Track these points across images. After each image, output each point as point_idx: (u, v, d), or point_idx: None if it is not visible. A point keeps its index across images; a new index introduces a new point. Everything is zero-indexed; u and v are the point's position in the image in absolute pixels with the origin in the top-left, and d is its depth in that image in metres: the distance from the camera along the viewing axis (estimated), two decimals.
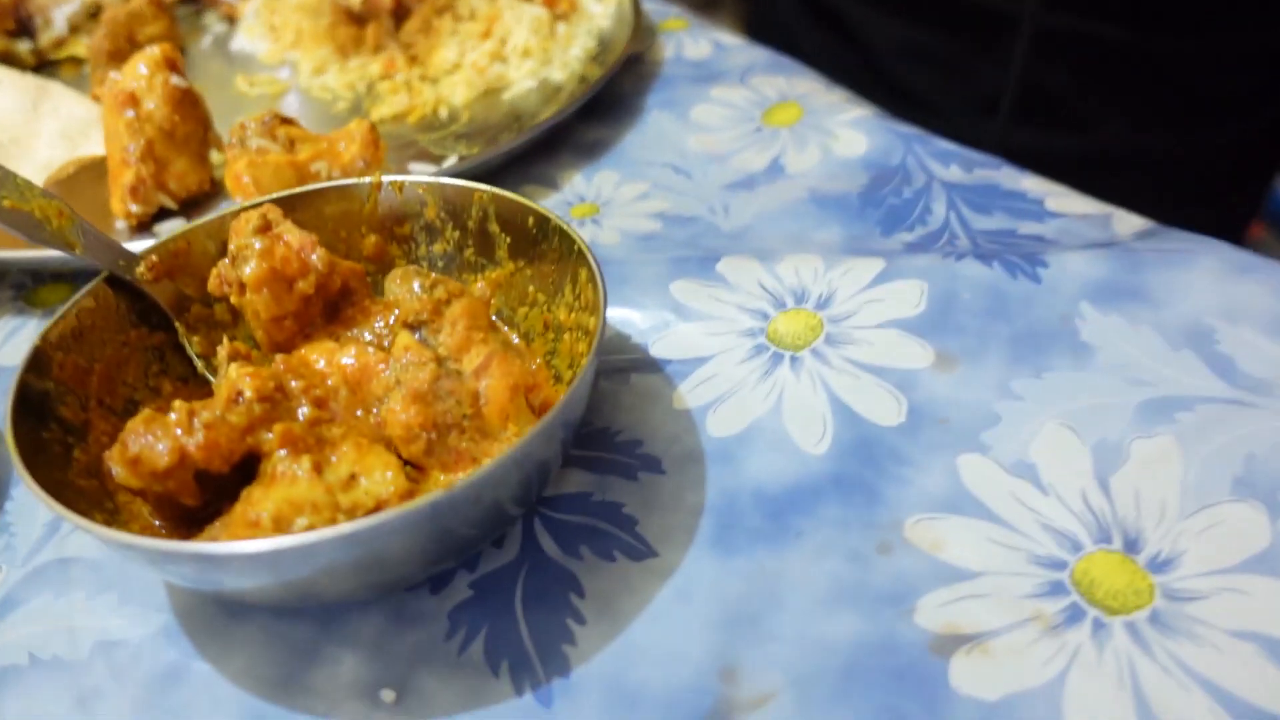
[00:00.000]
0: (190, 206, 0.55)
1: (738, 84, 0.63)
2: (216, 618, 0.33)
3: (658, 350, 0.42)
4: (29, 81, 0.60)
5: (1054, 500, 0.34)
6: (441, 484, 0.34)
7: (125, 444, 0.31)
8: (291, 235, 0.37)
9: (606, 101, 0.63)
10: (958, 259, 0.43)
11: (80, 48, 0.76)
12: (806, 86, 0.62)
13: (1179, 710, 0.28)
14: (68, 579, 0.34)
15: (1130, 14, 0.69)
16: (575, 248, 0.37)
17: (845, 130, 0.57)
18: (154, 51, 0.53)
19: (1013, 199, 0.49)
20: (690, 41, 0.71)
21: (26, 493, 0.38)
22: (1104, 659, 0.29)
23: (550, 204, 0.55)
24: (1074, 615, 0.31)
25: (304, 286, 0.36)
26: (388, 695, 0.30)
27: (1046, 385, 0.37)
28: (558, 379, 0.39)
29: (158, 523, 0.34)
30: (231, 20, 0.80)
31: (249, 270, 0.35)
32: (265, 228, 0.37)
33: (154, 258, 0.38)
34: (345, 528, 0.27)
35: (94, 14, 0.77)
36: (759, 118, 0.59)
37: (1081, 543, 0.32)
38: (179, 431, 0.31)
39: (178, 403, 0.31)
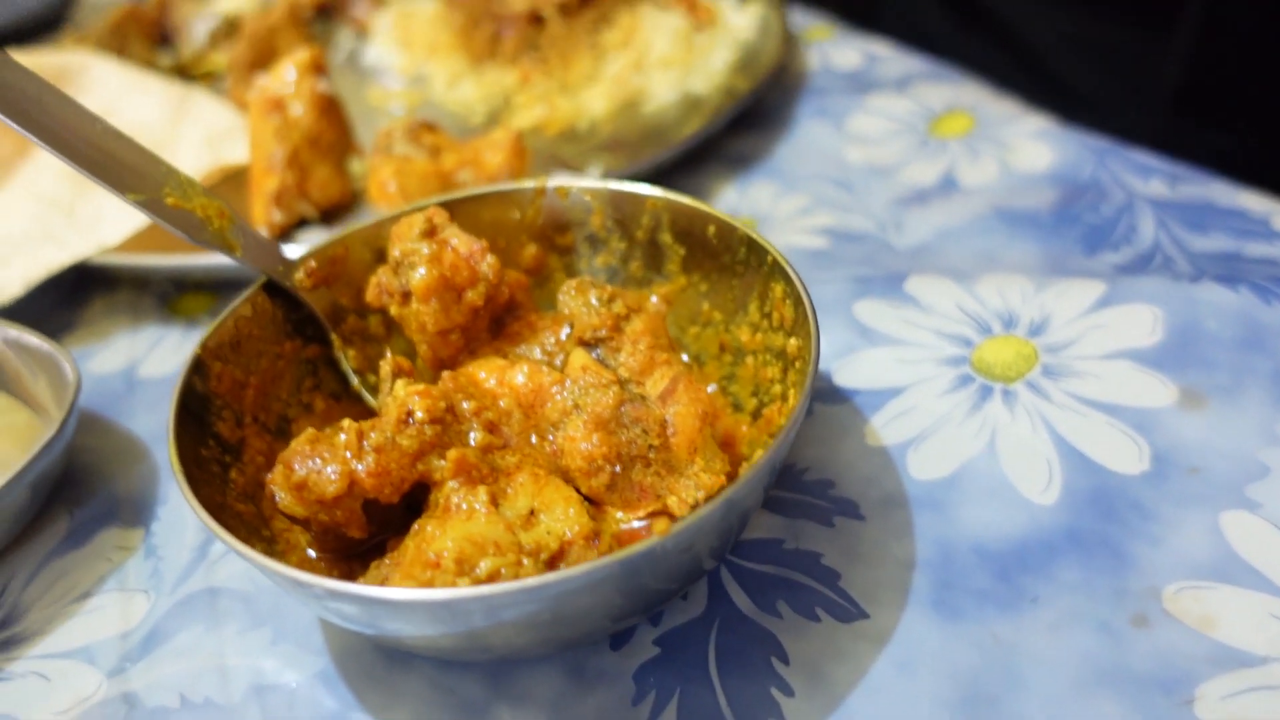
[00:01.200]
0: (330, 216, 0.53)
1: (896, 93, 0.59)
2: (377, 665, 0.30)
3: (844, 378, 0.38)
4: (173, 88, 0.59)
5: None
6: (619, 522, 0.30)
7: (290, 467, 0.28)
8: (460, 240, 0.34)
9: (753, 112, 0.59)
10: (1192, 281, 0.37)
11: (218, 62, 0.76)
12: (974, 95, 0.57)
13: None
14: (218, 611, 0.32)
15: None
16: (769, 259, 0.33)
17: (1024, 142, 0.52)
18: (301, 55, 0.52)
19: (1232, 217, 0.44)
20: (837, 51, 0.66)
21: (173, 512, 0.36)
22: None
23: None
24: None
25: (473, 297, 0.33)
26: None
27: None
28: (737, 407, 0.35)
29: (312, 553, 0.31)
30: (363, 33, 0.80)
31: (417, 277, 0.32)
32: (431, 232, 0.34)
33: (313, 263, 0.36)
34: (537, 582, 0.24)
35: (232, 28, 0.77)
36: (925, 129, 0.55)
37: None
38: (348, 455, 0.28)
39: (347, 422, 0.29)
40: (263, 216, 0.51)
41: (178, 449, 0.28)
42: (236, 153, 0.55)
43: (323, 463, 0.28)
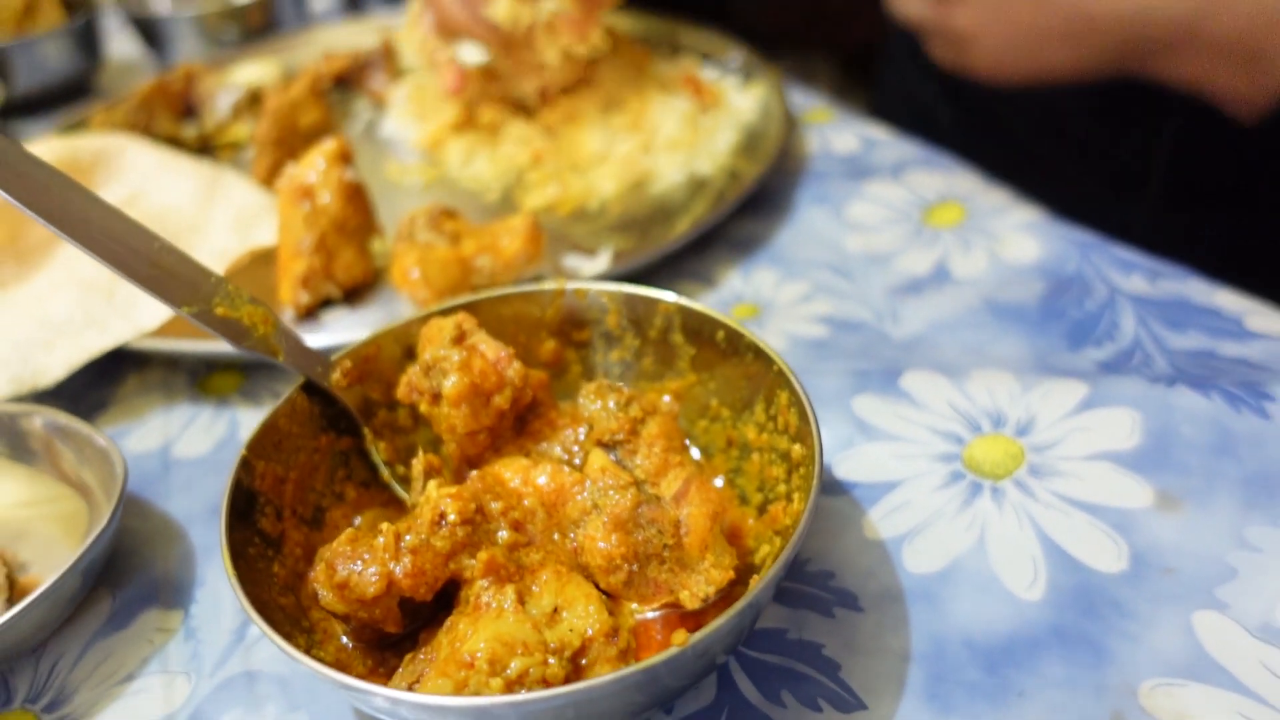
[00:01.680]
0: (353, 295, 0.56)
1: (892, 180, 0.62)
2: None
3: (843, 471, 0.40)
4: (204, 169, 0.62)
5: None
6: (634, 614, 0.33)
7: (333, 568, 0.30)
8: (488, 347, 0.36)
9: (756, 196, 0.62)
10: (1169, 385, 0.40)
11: (240, 132, 0.79)
12: (967, 186, 0.60)
13: None
14: (256, 694, 0.34)
15: None
16: (774, 368, 0.36)
17: (1013, 234, 0.55)
18: (330, 146, 0.55)
19: (1207, 316, 0.47)
20: (836, 134, 0.70)
21: (210, 594, 0.38)
22: None
23: (709, 303, 0.54)
24: None
25: (500, 401, 0.36)
26: None
27: None
28: (743, 500, 0.38)
29: (347, 641, 0.33)
30: (380, 105, 0.83)
31: (449, 385, 0.35)
32: (461, 338, 0.37)
33: (348, 363, 0.38)
34: (567, 690, 0.26)
35: (254, 100, 0.81)
36: (919, 217, 0.58)
37: None
38: (387, 557, 0.30)
39: (385, 526, 0.31)
40: (290, 297, 0.53)
41: (231, 551, 0.30)
42: (265, 235, 0.57)
43: (363, 565, 0.30)
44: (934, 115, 0.81)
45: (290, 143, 0.73)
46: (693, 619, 0.32)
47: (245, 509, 0.33)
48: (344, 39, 0.93)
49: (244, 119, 0.80)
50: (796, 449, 0.34)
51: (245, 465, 0.34)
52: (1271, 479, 0.36)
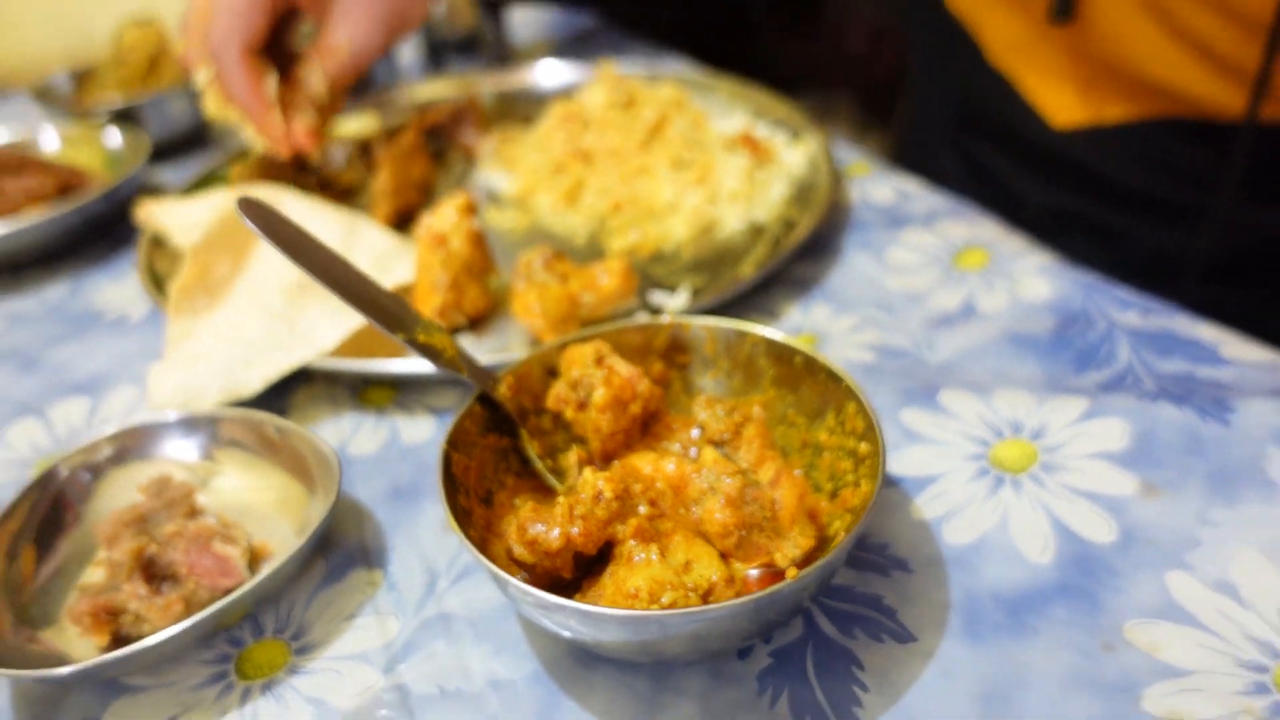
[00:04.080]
0: (476, 323, 0.67)
1: (924, 229, 0.73)
2: (573, 667, 0.42)
3: (894, 468, 0.51)
4: (342, 215, 0.74)
5: (1254, 615, 0.41)
6: (741, 569, 0.43)
7: (524, 529, 0.41)
8: (621, 367, 0.47)
9: (810, 243, 0.73)
10: (1153, 400, 0.51)
11: (351, 178, 0.91)
12: (990, 233, 0.71)
13: None
14: (452, 630, 0.45)
15: None
16: (843, 385, 0.47)
17: (1029, 276, 0.65)
18: (459, 200, 0.66)
19: (1189, 345, 0.57)
20: (874, 187, 0.81)
21: (402, 559, 0.49)
22: None
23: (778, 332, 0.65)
24: (1277, 711, 0.37)
25: (634, 409, 0.47)
26: None
27: (1241, 516, 0.45)
28: (817, 489, 0.48)
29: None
30: (469, 157, 0.95)
31: (597, 395, 0.46)
32: (600, 360, 0.48)
33: (511, 379, 0.49)
34: (703, 610, 0.36)
35: (363, 151, 0.93)
36: (949, 261, 0.69)
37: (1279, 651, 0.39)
38: (564, 521, 0.41)
39: (560, 499, 0.42)
40: (428, 305, 0.64)
41: (456, 520, 0.41)
42: (400, 273, 0.69)
43: (547, 527, 0.41)
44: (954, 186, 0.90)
45: (404, 191, 0.85)
46: (782, 576, 0.43)
47: (451, 488, 0.44)
48: (431, 93, 1.05)
49: (355, 167, 0.92)
50: (863, 446, 0.45)
51: (447, 456, 0.45)
52: (1229, 472, 0.46)
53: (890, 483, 0.50)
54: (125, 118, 0.98)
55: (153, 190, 0.93)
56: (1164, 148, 0.78)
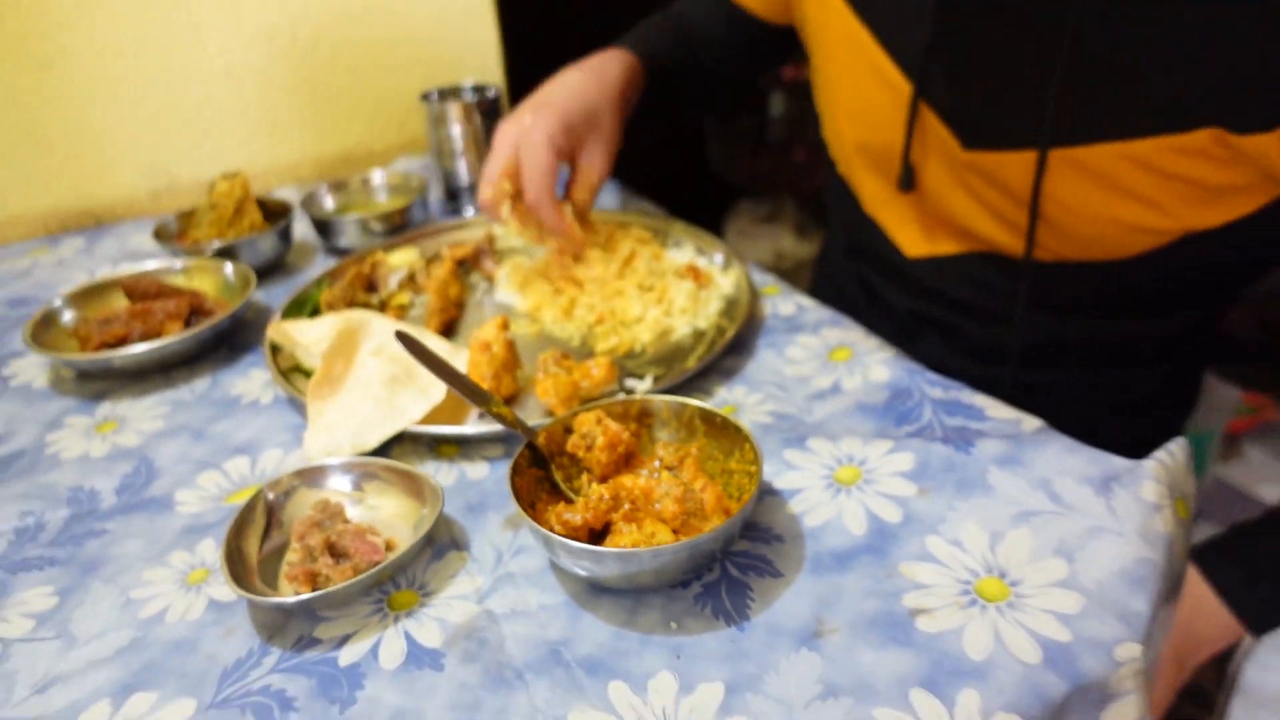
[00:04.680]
0: (509, 401, 0.99)
1: (812, 334, 1.07)
2: (587, 596, 0.73)
3: (777, 484, 0.83)
4: (412, 328, 1.06)
5: (971, 555, 0.73)
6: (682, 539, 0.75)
7: (560, 515, 0.73)
8: (612, 425, 0.80)
9: (734, 343, 1.07)
10: (932, 441, 0.84)
11: (403, 299, 1.24)
12: (855, 336, 1.06)
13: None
14: (514, 580, 0.76)
15: (1099, 309, 1.11)
16: (744, 434, 0.79)
17: (876, 365, 0.99)
18: (498, 320, 0.99)
19: (967, 409, 0.91)
20: (781, 302, 1.15)
21: (479, 546, 0.80)
22: (985, 618, 0.68)
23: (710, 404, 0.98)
24: (973, 603, 0.69)
25: (620, 450, 0.79)
26: (673, 625, 0.70)
27: (970, 505, 0.78)
28: (729, 496, 0.80)
29: None
30: (490, 280, 1.28)
31: (599, 442, 0.78)
32: (599, 421, 0.80)
33: (544, 434, 0.81)
34: (660, 547, 0.68)
35: (411, 279, 1.26)
36: (826, 356, 1.03)
37: (979, 573, 0.72)
38: (585, 511, 0.73)
39: (579, 500, 0.73)
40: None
41: (521, 509, 0.73)
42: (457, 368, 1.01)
43: (573, 514, 0.72)
44: (853, 302, 1.26)
45: (447, 309, 1.17)
46: None
47: (516, 496, 0.75)
48: (458, 234, 1.39)
49: (406, 290, 1.25)
50: (754, 469, 0.77)
51: (512, 479, 0.76)
52: (966, 481, 0.79)
53: (773, 492, 0.82)
54: (226, 252, 1.31)
55: (258, 309, 1.25)
56: (980, 273, 1.14)
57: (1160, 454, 0.79)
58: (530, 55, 1.81)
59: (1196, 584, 1.04)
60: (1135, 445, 0.89)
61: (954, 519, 0.77)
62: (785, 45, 1.38)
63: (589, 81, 1.19)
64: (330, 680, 0.68)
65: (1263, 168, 0.86)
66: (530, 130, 1.12)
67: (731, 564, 0.76)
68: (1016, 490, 0.78)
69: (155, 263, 1.26)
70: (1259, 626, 1.02)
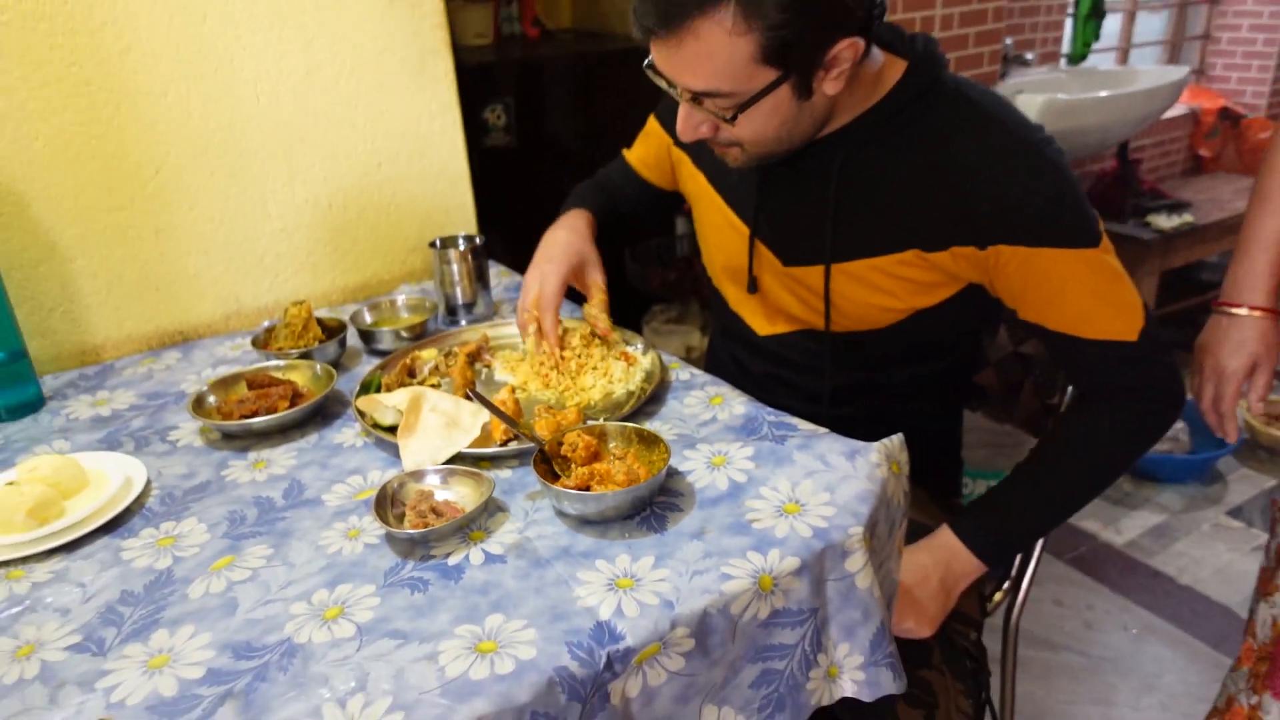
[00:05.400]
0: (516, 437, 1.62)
1: (700, 390, 1.74)
2: (577, 525, 1.35)
3: (680, 468, 1.48)
4: (450, 398, 1.68)
5: (780, 494, 1.38)
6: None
7: (561, 483, 1.35)
8: (586, 437, 1.44)
9: (651, 398, 1.72)
10: (762, 441, 1.50)
11: (434, 381, 1.86)
12: (726, 390, 1.72)
13: None
14: (538, 523, 1.37)
15: (878, 362, 1.82)
16: (660, 440, 1.44)
17: (738, 405, 1.66)
18: (508, 386, 1.63)
19: (788, 425, 1.57)
20: (681, 372, 1.82)
21: (513, 509, 1.42)
22: (786, 521, 1.33)
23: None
24: (781, 515, 1.34)
25: (592, 450, 1.42)
26: (626, 535, 1.33)
27: (782, 470, 1.43)
28: (654, 473, 1.44)
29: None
30: (489, 366, 1.92)
31: (579, 447, 1.42)
32: (579, 436, 1.44)
33: (548, 444, 1.44)
34: (613, 491, 1.31)
35: (437, 367, 1.89)
36: (708, 401, 1.69)
37: (785, 502, 1.37)
38: (573, 481, 1.36)
39: (569, 476, 1.36)
40: (497, 437, 1.59)
41: (544, 482, 1.35)
42: (482, 418, 1.64)
43: (566, 480, 1.35)
44: (726, 366, 1.96)
45: (463, 388, 1.80)
46: None
47: (540, 475, 1.37)
48: (460, 337, 2.04)
49: (435, 375, 1.88)
50: (666, 457, 1.42)
51: (536, 467, 1.39)
52: (779, 457, 1.45)
53: (677, 472, 1.47)
54: (305, 355, 1.92)
55: (338, 393, 1.86)
56: (802, 343, 1.83)
57: (884, 440, 1.47)
58: (495, 210, 2.51)
59: (949, 535, 1.71)
60: (914, 458, 1.55)
61: (773, 479, 1.42)
62: (678, 200, 2.10)
63: (572, 235, 1.88)
64: (445, 570, 1.28)
65: (946, 271, 1.59)
66: (547, 276, 1.80)
67: (655, 506, 1.39)
68: (806, 461, 1.44)
69: (240, 366, 1.86)
70: (990, 560, 1.69)
